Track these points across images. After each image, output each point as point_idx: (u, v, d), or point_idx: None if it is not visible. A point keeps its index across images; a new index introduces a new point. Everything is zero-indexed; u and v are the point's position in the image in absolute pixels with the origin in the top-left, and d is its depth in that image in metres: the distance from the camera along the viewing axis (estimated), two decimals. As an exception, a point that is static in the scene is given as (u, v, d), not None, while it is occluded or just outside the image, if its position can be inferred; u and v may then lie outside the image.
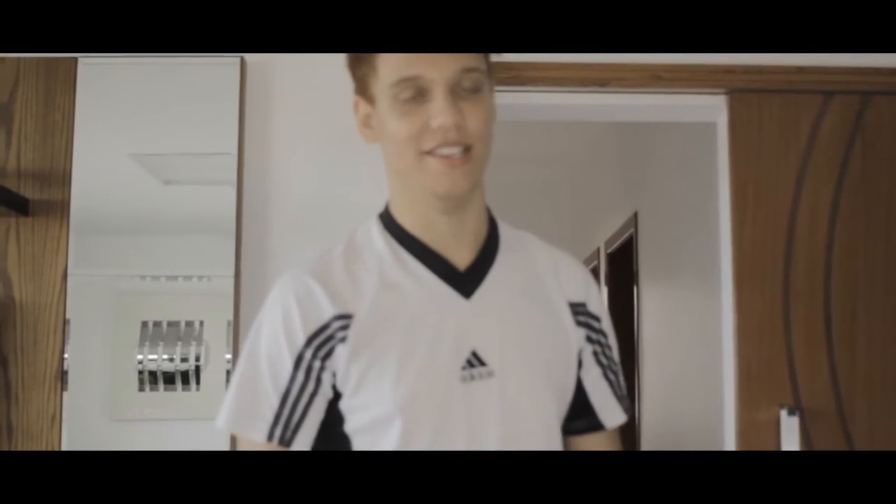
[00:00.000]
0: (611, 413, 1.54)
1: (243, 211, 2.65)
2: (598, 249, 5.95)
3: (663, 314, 4.45)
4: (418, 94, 1.34)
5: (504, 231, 1.50)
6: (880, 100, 2.75)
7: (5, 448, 2.54)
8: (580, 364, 1.49)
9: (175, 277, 2.63)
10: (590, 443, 1.54)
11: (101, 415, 2.58)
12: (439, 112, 1.33)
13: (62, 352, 2.57)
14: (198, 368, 2.58)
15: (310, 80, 2.71)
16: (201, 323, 2.60)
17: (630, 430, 4.91)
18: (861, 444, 2.64)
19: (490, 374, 1.38)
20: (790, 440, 2.59)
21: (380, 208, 1.50)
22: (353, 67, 1.44)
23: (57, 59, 2.65)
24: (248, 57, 2.69)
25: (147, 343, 2.58)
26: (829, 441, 2.64)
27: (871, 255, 2.71)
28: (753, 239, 2.71)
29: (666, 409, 4.40)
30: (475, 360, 1.38)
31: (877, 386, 2.68)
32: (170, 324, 2.60)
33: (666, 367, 4.38)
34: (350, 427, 1.38)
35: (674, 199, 4.12)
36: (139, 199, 2.64)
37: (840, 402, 2.66)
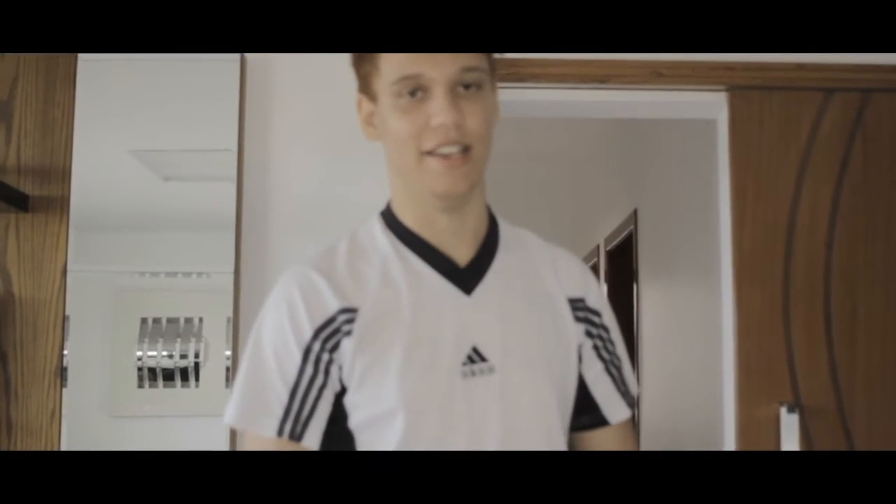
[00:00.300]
0: (615, 408, 1.54)
1: (243, 207, 2.65)
2: (598, 247, 5.95)
3: (663, 311, 4.45)
4: (419, 92, 1.35)
5: (504, 229, 1.51)
6: (881, 97, 2.75)
7: (4, 444, 2.54)
8: (581, 359, 1.49)
9: (174, 274, 2.63)
10: (598, 439, 1.54)
11: (101, 411, 2.58)
12: (439, 111, 1.34)
13: (61, 348, 2.57)
14: (197, 365, 2.58)
15: (310, 77, 2.70)
16: (201, 319, 2.60)
17: (631, 421, 4.90)
18: (860, 442, 2.64)
19: (491, 369, 1.38)
20: (790, 437, 2.59)
21: (379, 205, 1.50)
22: (357, 65, 1.44)
23: (57, 55, 2.65)
24: (249, 54, 2.69)
25: (146, 339, 2.58)
26: (829, 438, 2.64)
27: (870, 253, 2.71)
28: (753, 236, 2.71)
29: (666, 407, 4.40)
30: (476, 356, 1.38)
31: (876, 383, 2.68)
32: (169, 320, 2.60)
33: (666, 365, 4.38)
34: (353, 423, 1.38)
35: (674, 197, 4.12)
36: (139, 195, 2.63)
37: (840, 399, 2.66)
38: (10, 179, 2.60)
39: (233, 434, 2.51)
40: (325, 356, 1.36)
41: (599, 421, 1.53)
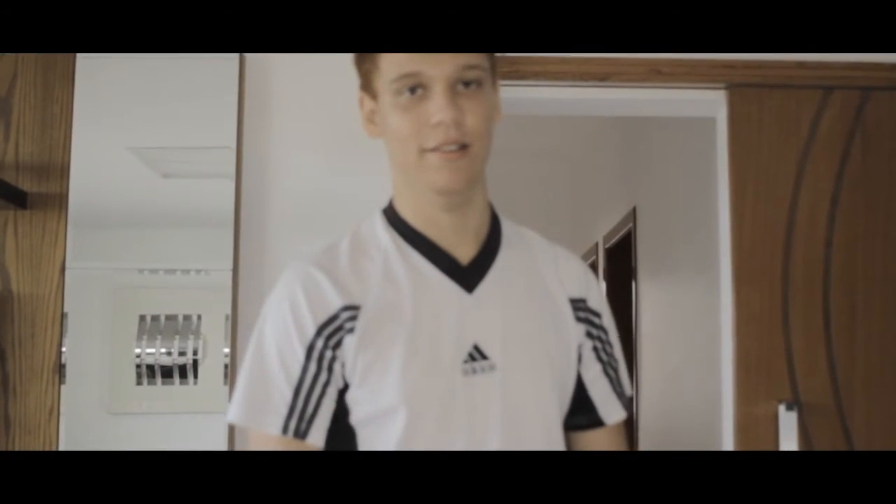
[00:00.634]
0: (611, 409, 1.54)
1: (242, 205, 2.64)
2: (597, 244, 5.95)
3: (662, 309, 4.45)
4: (419, 90, 1.35)
5: (506, 227, 1.51)
6: (880, 95, 2.75)
7: (3, 441, 2.54)
8: (580, 360, 1.50)
9: (173, 271, 2.63)
10: (592, 439, 1.54)
11: (99, 408, 2.58)
12: (438, 109, 1.34)
13: (60, 345, 2.57)
14: (195, 362, 2.58)
15: (309, 75, 2.70)
16: (199, 317, 2.60)
17: (628, 425, 4.90)
18: (859, 439, 2.64)
19: (492, 367, 1.38)
20: (788, 435, 2.59)
21: (378, 202, 1.50)
22: (358, 63, 1.45)
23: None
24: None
25: (145, 337, 2.58)
26: (828, 436, 2.64)
27: (870, 251, 2.71)
28: (753, 234, 2.71)
29: (664, 404, 4.40)
30: (477, 354, 1.38)
31: (875, 381, 2.68)
32: (168, 317, 2.60)
33: (664, 363, 4.38)
34: (355, 419, 1.38)
35: (673, 195, 4.12)
36: (138, 192, 2.63)
37: (838, 397, 2.66)
38: (8, 176, 2.60)
39: (231, 431, 2.50)
40: (329, 353, 1.36)
41: (595, 421, 1.53)
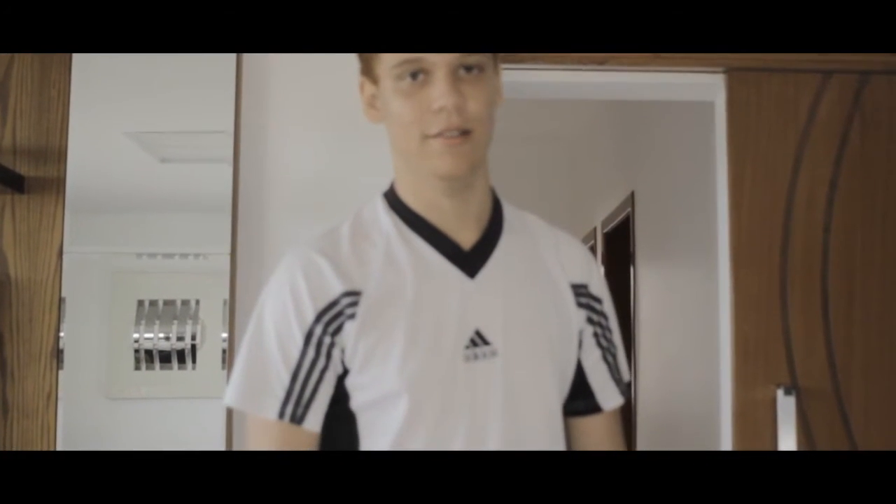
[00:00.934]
0: (609, 395, 1.54)
1: (239, 189, 2.64)
2: (595, 229, 5.95)
3: (660, 294, 4.45)
4: (420, 75, 1.35)
5: (508, 212, 1.51)
6: (879, 79, 2.74)
7: (1, 426, 2.54)
8: (580, 345, 1.50)
9: (171, 255, 2.63)
10: (589, 424, 1.54)
11: (98, 393, 2.58)
12: (440, 94, 1.34)
13: (58, 330, 2.57)
14: (194, 347, 2.58)
15: (306, 59, 2.69)
16: (197, 301, 2.60)
17: (626, 410, 4.92)
18: (857, 424, 2.64)
19: (493, 353, 1.39)
20: (786, 420, 2.59)
21: (377, 186, 1.50)
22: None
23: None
24: (245, 34, 2.67)
25: (143, 321, 2.58)
26: (826, 421, 2.64)
27: (868, 235, 2.71)
28: (751, 219, 2.70)
29: (662, 389, 4.40)
30: (479, 340, 1.38)
31: (873, 366, 2.68)
32: (166, 302, 2.60)
33: (662, 347, 4.39)
34: (355, 404, 1.38)
35: (671, 179, 4.11)
36: (135, 176, 2.63)
37: (836, 381, 2.66)
38: (5, 160, 2.59)
39: (229, 416, 2.50)
40: (327, 339, 1.36)
41: (593, 407, 1.54)
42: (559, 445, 1.46)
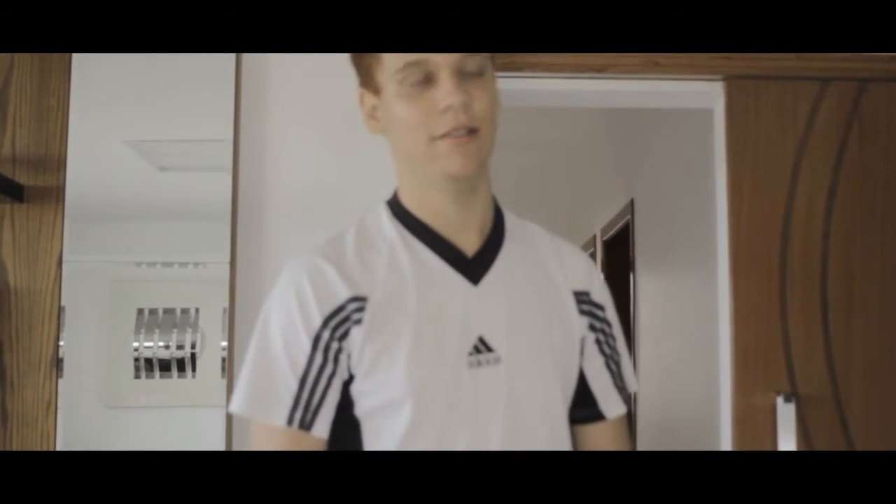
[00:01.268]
0: (611, 403, 1.54)
1: (239, 198, 2.64)
2: (595, 237, 5.95)
3: (659, 301, 4.45)
4: (425, 78, 1.35)
5: (509, 220, 1.51)
6: (877, 86, 2.74)
7: (0, 435, 2.54)
8: (583, 353, 1.50)
9: (171, 264, 2.63)
10: (593, 432, 1.54)
11: (97, 402, 2.57)
12: (446, 94, 1.34)
13: (57, 339, 2.56)
14: (193, 356, 2.58)
15: (306, 67, 2.69)
16: (197, 310, 2.60)
17: (626, 417, 4.91)
18: (857, 431, 2.64)
19: (497, 360, 1.39)
20: (786, 427, 2.59)
21: (376, 194, 1.50)
22: (357, 60, 1.45)
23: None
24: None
25: (143, 330, 2.58)
26: (826, 427, 2.64)
27: (867, 242, 2.71)
28: (750, 226, 2.71)
29: (662, 396, 4.40)
30: (482, 346, 1.38)
31: (873, 372, 2.68)
32: (165, 311, 2.60)
33: (662, 354, 4.38)
34: (360, 410, 1.38)
35: (670, 187, 4.11)
36: (134, 185, 2.63)
37: (836, 388, 2.66)
38: (5, 169, 2.59)
39: (230, 424, 2.50)
40: (335, 344, 1.36)
41: (595, 415, 1.54)
42: None
